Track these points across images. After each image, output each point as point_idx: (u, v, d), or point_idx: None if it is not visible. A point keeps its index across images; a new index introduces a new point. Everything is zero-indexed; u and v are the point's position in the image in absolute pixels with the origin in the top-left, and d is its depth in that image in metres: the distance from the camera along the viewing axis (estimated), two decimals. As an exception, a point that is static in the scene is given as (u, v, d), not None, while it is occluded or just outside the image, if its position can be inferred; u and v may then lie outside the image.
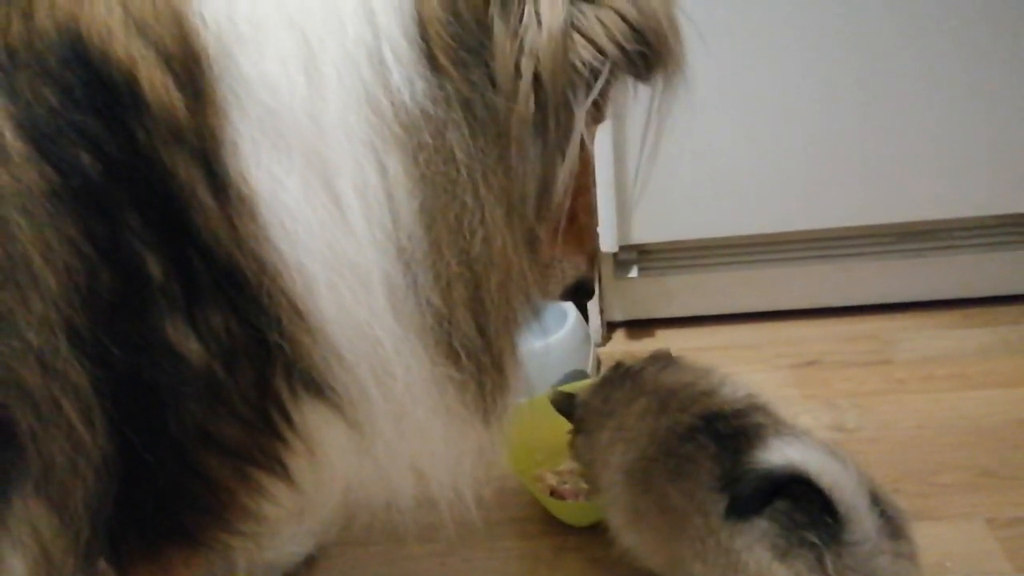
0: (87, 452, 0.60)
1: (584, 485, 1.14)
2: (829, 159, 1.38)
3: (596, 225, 0.93)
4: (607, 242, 1.42)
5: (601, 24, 0.63)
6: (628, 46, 0.63)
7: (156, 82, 0.59)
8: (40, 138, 0.58)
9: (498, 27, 0.61)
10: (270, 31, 0.60)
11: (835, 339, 1.50)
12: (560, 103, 0.63)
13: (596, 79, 0.64)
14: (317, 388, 0.66)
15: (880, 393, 1.36)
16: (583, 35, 0.63)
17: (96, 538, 0.63)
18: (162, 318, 0.61)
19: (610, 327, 1.58)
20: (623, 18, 0.63)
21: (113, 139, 0.59)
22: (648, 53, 0.64)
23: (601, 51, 0.63)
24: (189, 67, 0.60)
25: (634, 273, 1.50)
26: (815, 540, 0.74)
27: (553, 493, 1.15)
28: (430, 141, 0.61)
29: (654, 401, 0.93)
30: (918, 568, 0.77)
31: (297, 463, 0.71)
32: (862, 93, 1.32)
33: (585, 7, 0.63)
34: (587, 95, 0.64)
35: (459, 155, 0.62)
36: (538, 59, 0.62)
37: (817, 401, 1.35)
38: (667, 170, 1.38)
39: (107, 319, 0.60)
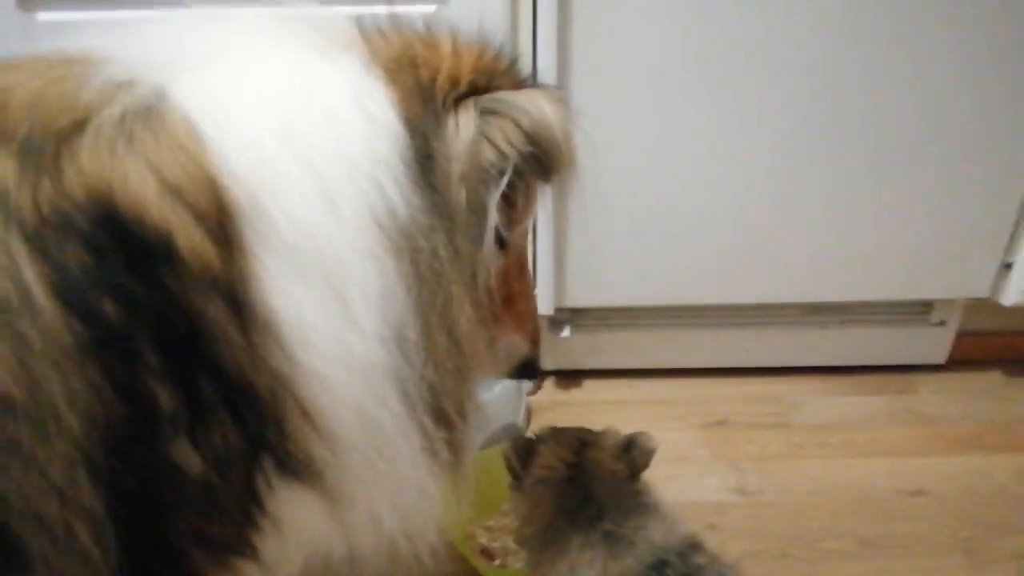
0: (96, 568, 0.67)
1: (512, 545, 1.25)
2: (744, 243, 1.51)
3: (535, 311, 1.01)
4: (544, 304, 1.52)
5: (502, 132, 0.77)
6: (523, 149, 0.77)
7: (193, 241, 0.66)
8: (70, 295, 0.64)
9: (436, 139, 0.76)
10: (295, 178, 0.70)
11: (742, 399, 1.64)
12: (476, 197, 0.77)
13: (502, 176, 0.77)
14: (303, 474, 0.75)
15: (779, 457, 1.50)
16: (489, 141, 0.77)
17: None
18: (168, 441, 0.69)
19: (541, 376, 1.69)
20: (518, 126, 0.77)
21: (143, 289, 0.66)
22: (540, 155, 0.78)
23: (502, 153, 0.77)
24: (222, 222, 0.68)
25: (567, 332, 1.61)
26: None
27: (483, 551, 1.25)
28: (423, 244, 0.74)
29: (603, 548, 0.97)
30: None
31: (265, 543, 0.79)
32: (775, 189, 1.46)
33: (491, 118, 0.77)
34: (496, 188, 0.77)
35: (441, 252, 0.75)
36: (460, 162, 0.76)
37: (724, 463, 1.49)
38: (599, 243, 1.51)
39: (120, 449, 0.67)
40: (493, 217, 0.78)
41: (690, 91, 1.37)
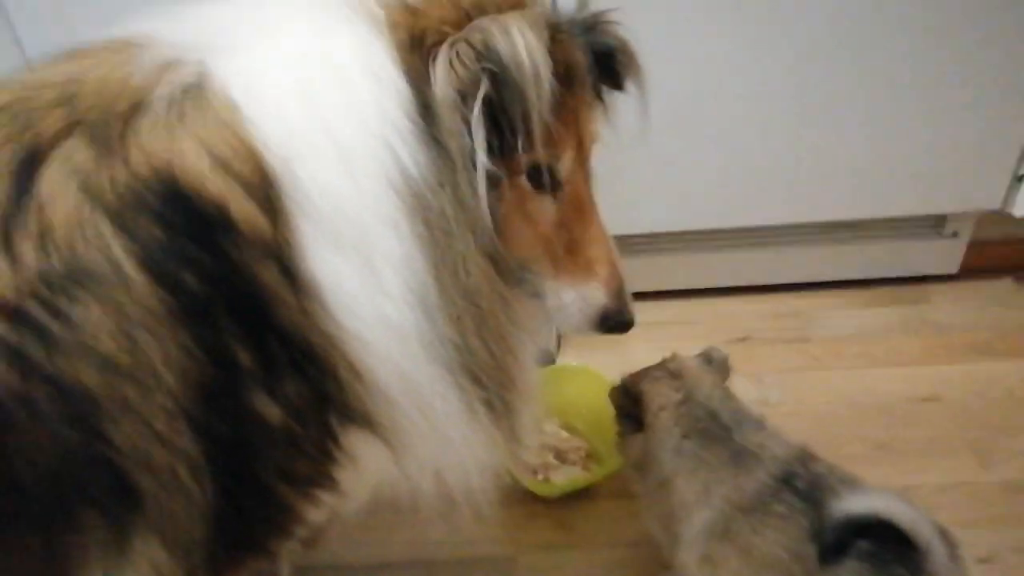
0: (197, 504, 0.77)
1: (553, 461, 1.35)
2: (760, 166, 1.55)
3: (612, 258, 0.93)
4: (570, 234, 1.58)
5: (459, 55, 0.76)
6: (480, 66, 0.76)
7: (246, 211, 0.74)
8: (155, 267, 0.72)
9: (427, 86, 0.77)
10: (316, 143, 0.75)
11: (763, 316, 1.71)
12: (458, 131, 0.76)
13: (472, 101, 0.76)
14: (363, 422, 0.83)
15: (799, 369, 1.58)
16: (452, 67, 0.76)
17: (201, 562, 0.80)
18: (250, 394, 0.77)
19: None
20: (470, 44, 0.76)
21: (211, 260, 0.73)
22: (500, 73, 0.75)
23: (460, 76, 0.76)
24: (266, 191, 0.74)
25: (593, 260, 1.67)
26: (905, 572, 0.83)
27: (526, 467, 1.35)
28: (433, 203, 0.76)
29: (732, 465, 1.02)
30: None
31: (343, 475, 0.88)
32: (788, 111, 1.50)
33: (455, 46, 0.77)
34: (469, 115, 0.77)
35: (448, 210, 0.77)
36: (442, 101, 0.76)
37: (747, 377, 1.55)
38: (623, 174, 1.55)
39: (211, 402, 0.76)
40: (477, 146, 0.77)
41: (700, 14, 1.40)
